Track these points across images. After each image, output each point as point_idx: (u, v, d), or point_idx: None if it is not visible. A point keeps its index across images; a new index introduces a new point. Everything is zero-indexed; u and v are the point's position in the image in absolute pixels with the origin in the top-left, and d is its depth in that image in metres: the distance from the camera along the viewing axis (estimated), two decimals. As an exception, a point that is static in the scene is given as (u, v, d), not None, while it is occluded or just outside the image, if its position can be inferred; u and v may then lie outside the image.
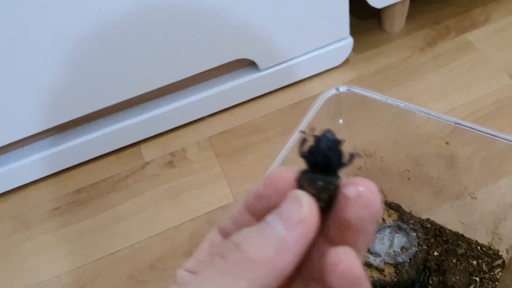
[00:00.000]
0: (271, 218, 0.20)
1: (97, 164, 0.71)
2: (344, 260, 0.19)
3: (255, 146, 0.69)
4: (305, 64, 0.72)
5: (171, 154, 0.71)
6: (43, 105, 0.61)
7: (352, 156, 0.21)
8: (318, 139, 0.21)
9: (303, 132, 0.22)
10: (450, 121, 0.43)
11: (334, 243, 0.21)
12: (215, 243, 0.24)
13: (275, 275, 0.19)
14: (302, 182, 0.21)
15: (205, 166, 0.68)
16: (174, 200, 0.65)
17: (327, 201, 0.20)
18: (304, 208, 0.20)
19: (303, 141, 0.21)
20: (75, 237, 0.64)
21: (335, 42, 0.72)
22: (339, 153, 0.21)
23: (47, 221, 0.67)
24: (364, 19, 0.82)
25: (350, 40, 0.73)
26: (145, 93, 0.66)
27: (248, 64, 0.71)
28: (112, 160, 0.71)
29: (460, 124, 0.43)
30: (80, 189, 0.69)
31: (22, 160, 0.67)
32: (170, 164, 0.69)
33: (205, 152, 0.70)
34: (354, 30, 0.75)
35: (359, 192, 0.20)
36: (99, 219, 0.66)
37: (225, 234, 0.24)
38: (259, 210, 0.22)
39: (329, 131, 0.21)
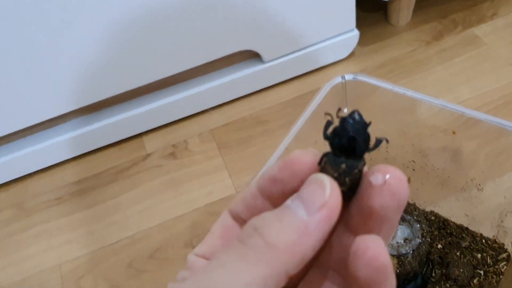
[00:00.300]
0: (291, 203, 0.19)
1: (99, 154, 0.71)
2: (372, 247, 0.18)
3: (257, 138, 0.68)
4: (309, 56, 0.72)
5: (173, 145, 0.70)
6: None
7: (379, 141, 0.20)
8: (343, 120, 0.20)
9: (328, 113, 0.21)
10: (458, 110, 0.42)
11: (356, 232, 0.20)
12: (227, 226, 0.23)
13: (296, 261, 0.18)
14: (324, 164, 0.20)
15: (207, 157, 0.68)
16: (175, 191, 0.65)
17: (350, 186, 0.20)
18: (326, 191, 0.19)
19: (328, 123, 0.20)
20: (76, 227, 0.64)
21: (340, 34, 0.71)
22: (366, 136, 0.20)
23: (48, 210, 0.66)
24: (370, 12, 0.81)
25: (356, 33, 0.72)
26: (148, 84, 0.66)
27: (252, 56, 0.70)
28: (114, 151, 0.71)
29: (468, 114, 0.42)
30: (82, 180, 0.69)
31: (24, 150, 0.67)
32: (172, 155, 0.69)
33: (207, 143, 0.69)
34: (360, 23, 0.74)
35: (386, 179, 0.19)
36: (100, 209, 0.65)
37: (237, 218, 0.23)
38: (274, 194, 0.21)
39: (356, 111, 0.20)
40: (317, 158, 0.20)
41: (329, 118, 0.21)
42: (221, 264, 0.18)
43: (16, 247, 0.63)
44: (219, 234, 0.23)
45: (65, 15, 0.54)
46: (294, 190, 0.20)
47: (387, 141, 0.20)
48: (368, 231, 0.19)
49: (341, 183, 0.19)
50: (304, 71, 0.74)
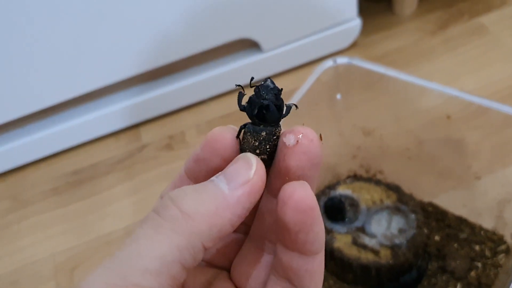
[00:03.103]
0: (216, 178, 0.20)
1: (96, 145, 0.70)
2: (298, 190, 0.18)
3: (256, 129, 0.67)
4: (310, 46, 0.70)
5: (170, 137, 0.69)
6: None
7: (289, 107, 0.21)
8: (257, 88, 0.20)
9: (238, 85, 0.21)
10: (455, 94, 0.40)
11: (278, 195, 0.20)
12: None
13: (213, 233, 0.18)
14: (245, 135, 0.20)
15: (204, 148, 0.66)
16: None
17: (270, 152, 0.20)
18: (252, 169, 0.19)
19: (240, 94, 0.21)
20: (70, 217, 0.63)
21: (342, 23, 0.70)
22: (280, 102, 0.20)
23: (44, 201, 0.66)
24: (374, 2, 0.79)
25: (358, 22, 0.70)
26: (143, 74, 0.65)
27: (251, 45, 0.69)
28: (111, 142, 0.70)
29: (466, 98, 0.40)
30: (77, 170, 0.68)
31: (21, 140, 0.67)
32: (168, 147, 0.68)
33: (204, 135, 0.68)
34: (364, 13, 0.72)
35: (298, 139, 0.19)
36: (95, 200, 0.64)
37: None
38: (198, 175, 0.21)
39: (268, 79, 0.20)
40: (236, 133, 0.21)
41: (240, 88, 0.21)
42: (136, 238, 0.18)
43: (10, 238, 0.63)
44: None
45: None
46: (217, 169, 0.20)
47: (296, 106, 0.21)
48: None
49: (262, 151, 0.20)
50: (305, 61, 0.72)
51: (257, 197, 0.19)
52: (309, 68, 0.72)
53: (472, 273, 0.42)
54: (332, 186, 0.49)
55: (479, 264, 0.43)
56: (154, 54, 0.63)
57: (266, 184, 0.21)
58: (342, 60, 0.43)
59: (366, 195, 0.47)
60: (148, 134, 0.70)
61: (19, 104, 0.63)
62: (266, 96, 0.20)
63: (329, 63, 0.42)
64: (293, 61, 0.71)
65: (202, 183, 0.20)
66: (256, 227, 0.22)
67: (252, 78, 0.21)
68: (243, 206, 0.19)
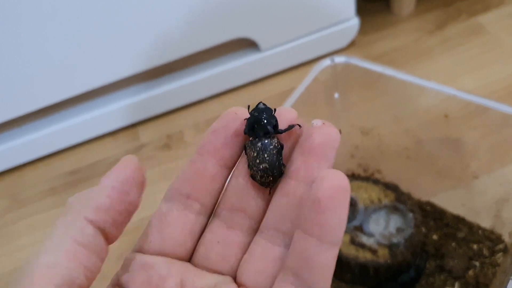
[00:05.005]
0: None
1: (94, 145, 0.70)
2: (337, 173, 0.20)
3: (254, 129, 0.67)
4: (308, 45, 0.70)
5: (168, 136, 0.69)
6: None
7: (290, 126, 0.24)
8: (251, 111, 0.24)
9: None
10: (453, 93, 0.40)
11: (297, 174, 0.23)
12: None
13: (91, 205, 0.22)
14: (245, 150, 0.24)
15: (202, 148, 0.66)
16: (168, 182, 0.63)
17: (271, 161, 0.23)
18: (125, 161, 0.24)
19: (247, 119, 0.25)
20: (68, 218, 0.63)
21: (340, 22, 0.70)
22: (272, 119, 0.24)
23: (42, 201, 0.66)
24: (371, 1, 0.79)
25: (356, 21, 0.70)
26: (141, 73, 0.65)
27: (249, 45, 0.69)
28: (108, 142, 0.70)
29: (464, 97, 0.40)
30: (75, 170, 0.68)
31: (19, 140, 0.67)
32: (167, 146, 0.68)
33: (203, 134, 0.68)
34: (362, 13, 0.72)
35: (323, 123, 0.23)
36: (93, 200, 0.64)
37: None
38: (215, 146, 0.26)
39: (260, 103, 0.25)
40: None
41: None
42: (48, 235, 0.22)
43: (8, 238, 0.63)
44: None
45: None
46: (238, 131, 0.24)
47: (299, 126, 0.24)
48: (309, 169, 0.22)
49: (261, 160, 0.23)
50: (303, 60, 0.72)
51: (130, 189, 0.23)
52: (307, 67, 0.72)
53: (470, 272, 0.42)
54: (330, 186, 0.49)
55: (477, 263, 0.43)
56: (152, 53, 0.63)
57: (285, 171, 0.24)
58: (340, 59, 0.43)
59: (364, 194, 0.47)
60: (146, 134, 0.70)
61: (17, 104, 0.63)
62: (256, 114, 0.24)
63: (327, 62, 0.42)
64: (291, 60, 0.71)
65: None
66: (269, 219, 0.24)
67: (249, 106, 0.25)
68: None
